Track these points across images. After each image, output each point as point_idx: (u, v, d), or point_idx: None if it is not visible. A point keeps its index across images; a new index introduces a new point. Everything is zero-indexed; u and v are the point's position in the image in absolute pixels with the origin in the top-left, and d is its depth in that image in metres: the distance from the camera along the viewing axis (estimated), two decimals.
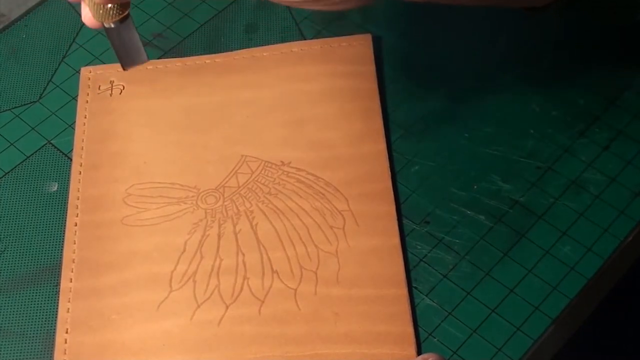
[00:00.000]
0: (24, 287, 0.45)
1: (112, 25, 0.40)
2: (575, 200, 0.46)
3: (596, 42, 0.52)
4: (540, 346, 0.42)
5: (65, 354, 0.42)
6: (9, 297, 0.45)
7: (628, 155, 0.48)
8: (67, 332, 0.43)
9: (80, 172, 0.49)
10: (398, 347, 0.41)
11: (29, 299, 0.44)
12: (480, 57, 0.52)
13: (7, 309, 0.44)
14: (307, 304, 0.43)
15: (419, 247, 0.45)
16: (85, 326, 0.43)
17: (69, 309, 0.44)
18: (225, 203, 0.47)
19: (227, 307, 0.43)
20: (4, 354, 0.43)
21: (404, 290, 0.43)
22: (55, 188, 0.49)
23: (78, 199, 0.48)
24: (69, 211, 0.47)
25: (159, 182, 0.48)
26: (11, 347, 0.43)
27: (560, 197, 0.47)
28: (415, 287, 0.44)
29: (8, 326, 0.44)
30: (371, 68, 0.51)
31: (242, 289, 0.43)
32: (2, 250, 0.46)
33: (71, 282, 0.44)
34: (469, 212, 0.46)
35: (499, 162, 0.48)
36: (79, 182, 0.48)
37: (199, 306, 0.43)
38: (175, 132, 0.50)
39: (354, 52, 0.51)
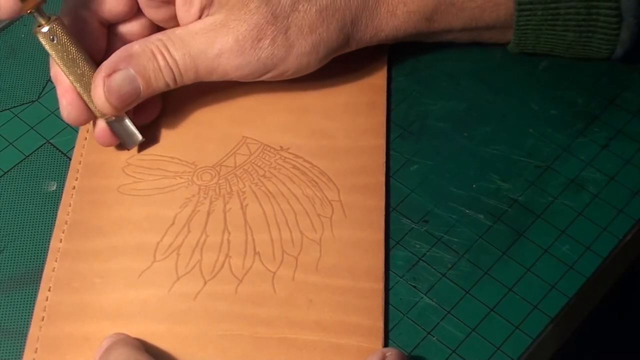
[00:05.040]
0: (23, 286, 0.45)
1: (113, 119, 0.47)
2: (574, 199, 0.46)
3: None
4: (539, 345, 0.42)
5: (44, 310, 0.43)
6: (8, 296, 0.45)
7: (627, 154, 0.48)
8: (49, 290, 0.44)
9: (86, 137, 0.50)
10: (366, 340, 0.42)
11: (28, 297, 0.44)
12: (479, 56, 0.52)
13: (7, 307, 0.44)
14: (283, 288, 0.43)
15: (417, 245, 0.45)
16: (67, 286, 0.44)
17: (54, 268, 0.45)
18: (220, 181, 0.47)
19: (205, 283, 0.44)
20: (3, 352, 0.43)
21: (380, 285, 0.43)
22: (55, 187, 0.49)
23: (80, 164, 0.49)
24: (69, 175, 0.48)
25: (160, 155, 0.49)
26: (11, 346, 0.43)
27: (559, 196, 0.47)
28: (414, 286, 0.44)
29: (7, 325, 0.44)
30: (383, 67, 0.52)
31: (222, 266, 0.44)
32: (1, 249, 0.46)
33: (61, 242, 0.46)
34: (467, 211, 0.46)
35: (498, 161, 0.48)
36: (83, 147, 0.49)
37: (178, 279, 0.44)
38: (183, 107, 0.51)
39: (370, 49, 0.52)
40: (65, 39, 0.45)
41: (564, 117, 0.50)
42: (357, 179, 0.47)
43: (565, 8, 0.47)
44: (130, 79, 0.46)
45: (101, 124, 0.48)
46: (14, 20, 0.57)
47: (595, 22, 0.47)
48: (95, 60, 0.47)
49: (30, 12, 0.43)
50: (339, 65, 0.51)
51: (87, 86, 0.46)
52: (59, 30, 0.44)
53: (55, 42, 0.44)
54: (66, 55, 0.45)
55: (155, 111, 0.50)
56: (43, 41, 0.44)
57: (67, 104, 0.46)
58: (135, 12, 0.48)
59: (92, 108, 0.47)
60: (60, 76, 0.46)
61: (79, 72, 0.46)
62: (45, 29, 0.44)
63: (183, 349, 0.42)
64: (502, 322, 0.42)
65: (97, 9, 0.47)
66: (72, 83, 0.46)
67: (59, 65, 0.45)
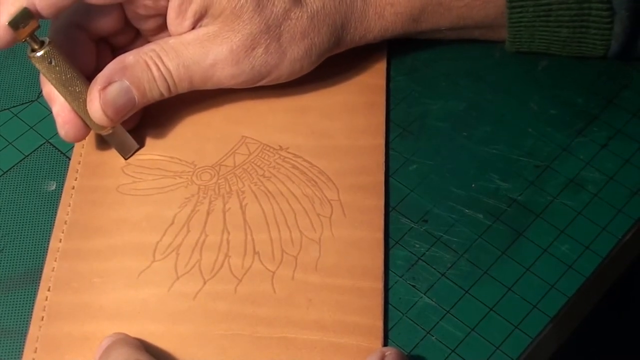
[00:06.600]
0: (23, 285, 0.45)
1: (110, 132, 0.47)
2: (574, 199, 0.46)
3: None
4: (538, 344, 0.42)
5: (44, 310, 0.43)
6: (8, 296, 0.45)
7: (626, 154, 0.48)
8: (49, 290, 0.44)
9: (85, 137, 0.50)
10: (365, 339, 0.42)
11: (27, 297, 0.44)
12: (478, 56, 0.53)
13: (6, 307, 0.44)
14: (283, 287, 0.44)
15: (417, 245, 0.45)
16: (67, 286, 0.44)
17: (54, 268, 0.45)
18: (219, 181, 0.48)
19: (204, 282, 0.44)
20: (3, 352, 0.43)
21: (379, 284, 0.43)
22: (54, 187, 0.49)
23: (79, 163, 0.49)
24: (68, 174, 0.48)
25: (159, 155, 0.49)
26: (10, 346, 0.43)
27: (558, 196, 0.47)
28: (414, 286, 0.44)
29: (7, 324, 0.44)
30: (383, 66, 0.52)
31: (222, 266, 0.44)
32: (1, 249, 0.46)
33: (60, 242, 0.46)
34: (467, 210, 0.46)
35: (498, 161, 0.48)
36: (83, 147, 0.50)
37: (177, 278, 0.44)
38: (182, 107, 0.51)
39: (369, 48, 0.52)
40: (61, 60, 0.44)
41: (564, 117, 0.50)
42: (357, 179, 0.47)
43: (557, 3, 0.47)
44: (126, 91, 0.46)
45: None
46: None
47: (587, 16, 0.47)
48: (87, 74, 0.46)
49: (25, 40, 0.43)
50: (338, 65, 0.51)
51: (84, 103, 0.46)
52: (55, 53, 0.44)
53: (53, 64, 0.44)
54: (63, 76, 0.45)
55: (135, 119, 0.49)
56: (39, 65, 0.44)
57: (64, 123, 0.46)
58: (124, 25, 0.48)
59: (89, 123, 0.47)
60: (54, 95, 0.46)
61: (77, 90, 0.45)
62: (39, 53, 0.43)
63: (183, 348, 0.42)
64: (501, 322, 0.43)
65: (87, 27, 0.47)
66: (70, 103, 0.46)
67: (55, 86, 0.45)
